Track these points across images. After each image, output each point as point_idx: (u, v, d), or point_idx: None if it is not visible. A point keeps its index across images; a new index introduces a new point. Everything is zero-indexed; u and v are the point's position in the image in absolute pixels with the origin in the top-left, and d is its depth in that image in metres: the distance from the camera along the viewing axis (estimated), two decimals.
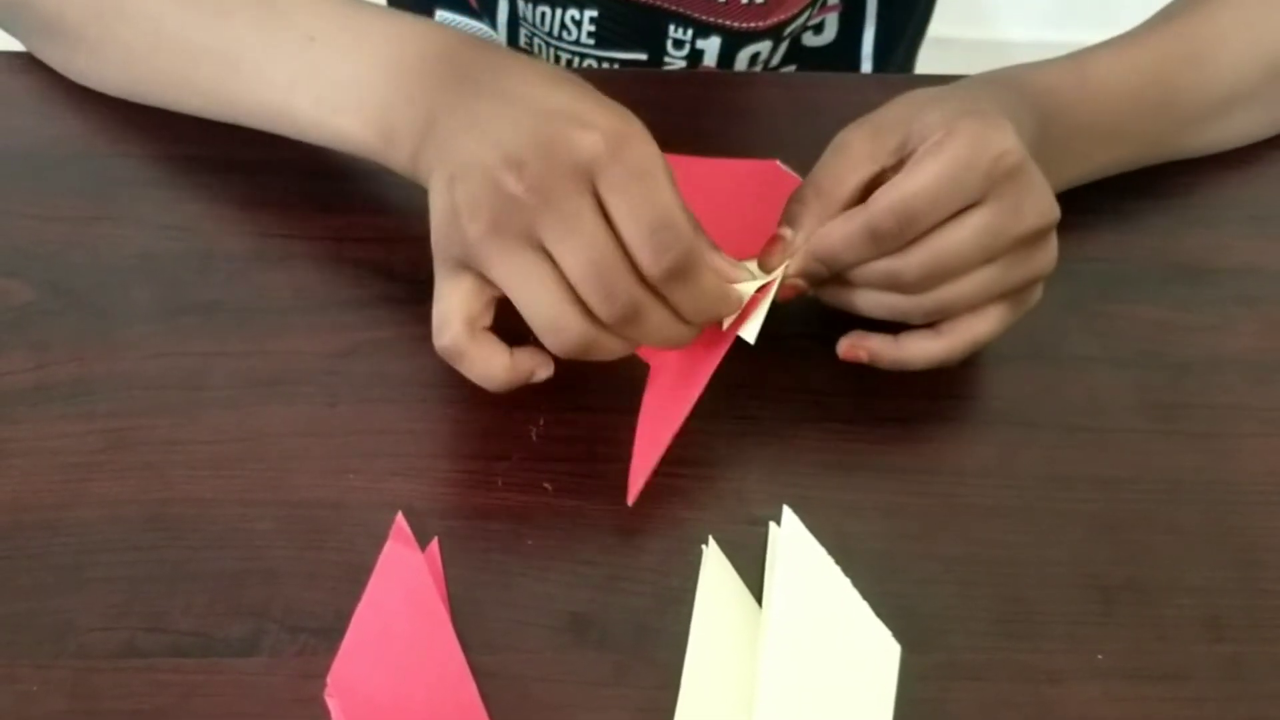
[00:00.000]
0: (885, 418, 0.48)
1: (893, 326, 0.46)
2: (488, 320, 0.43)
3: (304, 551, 0.43)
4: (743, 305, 0.44)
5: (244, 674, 0.40)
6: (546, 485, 0.45)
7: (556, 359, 0.44)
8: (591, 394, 0.48)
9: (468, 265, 0.42)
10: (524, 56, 0.46)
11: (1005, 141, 0.43)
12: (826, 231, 0.44)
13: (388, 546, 0.43)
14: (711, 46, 0.67)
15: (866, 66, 0.74)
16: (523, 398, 0.47)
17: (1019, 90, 0.49)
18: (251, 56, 0.50)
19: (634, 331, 0.42)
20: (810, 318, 0.49)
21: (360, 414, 0.47)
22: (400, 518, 0.43)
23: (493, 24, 0.71)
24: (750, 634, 0.41)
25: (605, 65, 0.68)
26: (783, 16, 0.67)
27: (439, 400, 0.47)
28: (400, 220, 0.53)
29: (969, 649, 0.42)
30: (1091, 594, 0.43)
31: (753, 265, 0.45)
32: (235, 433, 0.46)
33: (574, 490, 0.45)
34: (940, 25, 0.81)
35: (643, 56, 0.68)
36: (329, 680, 0.39)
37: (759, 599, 0.42)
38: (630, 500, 0.44)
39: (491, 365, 0.43)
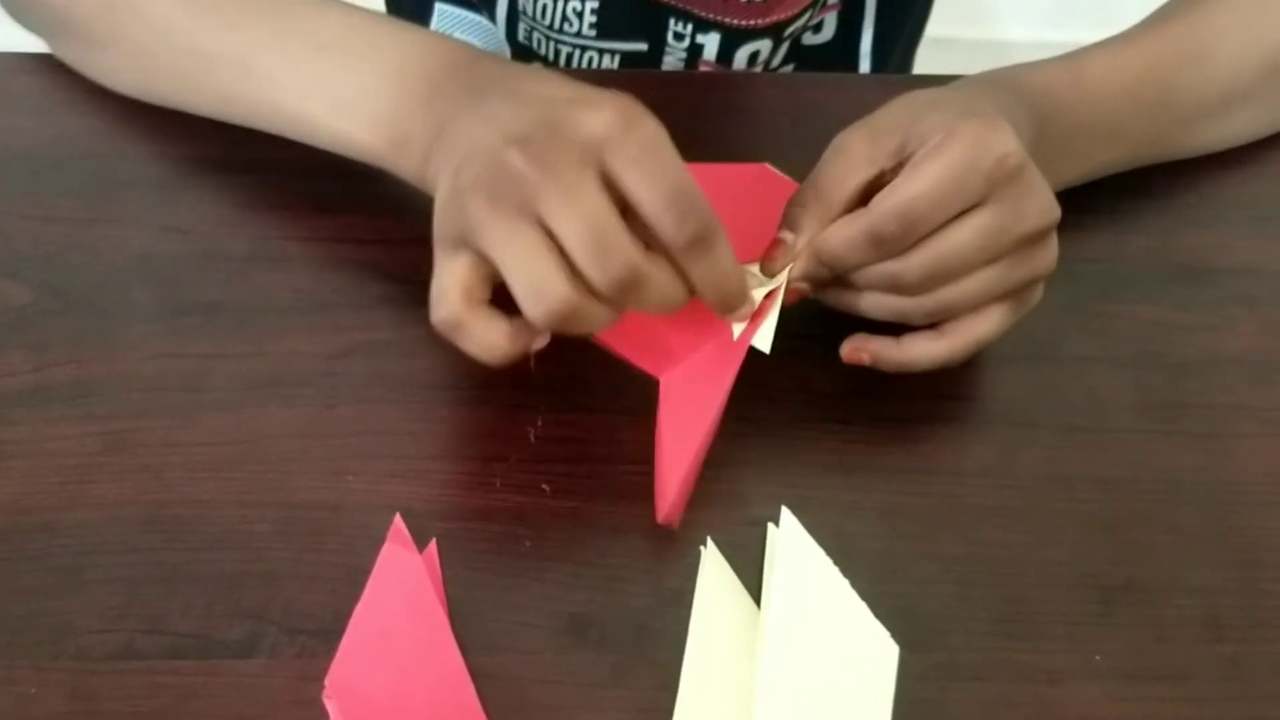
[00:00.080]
0: (884, 418, 0.48)
1: (894, 328, 0.46)
2: (485, 295, 0.42)
3: (303, 553, 0.43)
4: (755, 308, 0.44)
5: (243, 676, 0.40)
6: (545, 486, 0.45)
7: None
8: (590, 395, 0.48)
9: (466, 242, 0.41)
10: (531, 66, 0.46)
11: (1005, 143, 0.43)
12: (829, 235, 0.44)
13: (386, 548, 0.43)
14: (711, 42, 0.67)
15: (865, 65, 0.74)
16: (521, 399, 0.47)
17: (1016, 91, 0.49)
18: (263, 63, 0.50)
19: (630, 297, 0.40)
20: (810, 319, 0.49)
21: (359, 415, 0.47)
22: (398, 519, 0.43)
23: (491, 17, 0.71)
24: (749, 635, 0.41)
25: (606, 56, 0.68)
26: (782, 16, 0.67)
27: (438, 402, 0.47)
28: (399, 221, 0.53)
29: (968, 649, 0.42)
30: (1091, 594, 0.43)
31: (754, 269, 0.45)
32: (234, 434, 0.46)
33: (572, 491, 0.45)
34: (940, 25, 0.81)
35: (643, 47, 0.68)
36: (327, 682, 0.39)
37: (758, 600, 0.42)
38: (661, 519, 0.43)
39: (490, 334, 0.42)
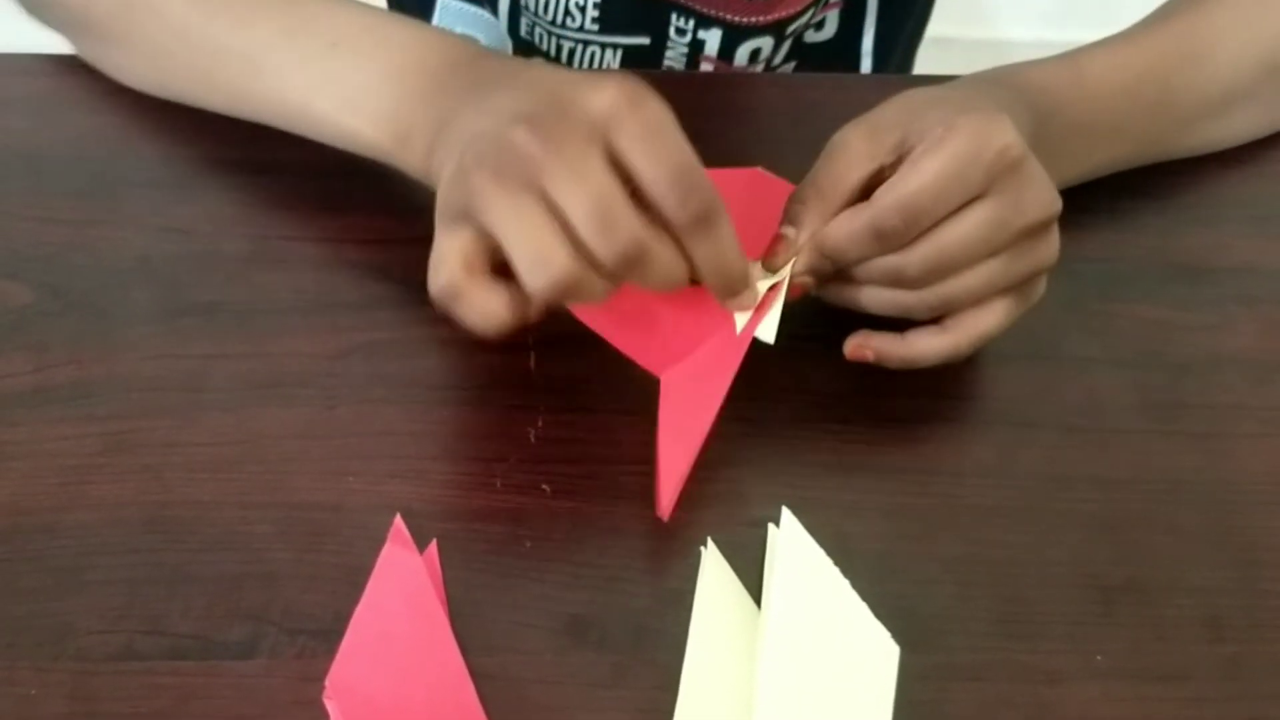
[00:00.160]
0: (884, 418, 0.48)
1: (897, 325, 0.46)
2: (485, 267, 0.42)
3: (303, 554, 0.43)
4: (758, 299, 0.44)
5: (243, 677, 0.40)
6: (545, 487, 0.45)
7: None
8: (590, 395, 0.48)
9: (468, 216, 0.41)
10: (533, 61, 0.46)
11: (1006, 136, 0.43)
12: (831, 229, 0.44)
13: (386, 549, 0.43)
14: (713, 38, 0.67)
15: (866, 63, 0.74)
16: (521, 399, 0.47)
17: (1015, 88, 0.49)
18: (274, 60, 0.51)
19: (633, 272, 0.40)
20: (810, 318, 0.49)
21: (359, 416, 0.47)
22: (399, 520, 0.43)
23: (494, 11, 0.71)
24: (749, 635, 0.41)
25: (608, 51, 0.68)
26: (784, 14, 0.67)
27: (438, 402, 0.47)
28: (399, 222, 0.53)
29: (968, 649, 0.42)
30: (1091, 594, 0.43)
31: (755, 267, 0.45)
32: (234, 435, 0.46)
33: (573, 492, 0.45)
34: (940, 25, 0.81)
35: (645, 41, 0.68)
36: (328, 683, 0.39)
37: (758, 600, 0.42)
38: (663, 515, 0.44)
39: (490, 303, 0.41)
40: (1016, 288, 0.45)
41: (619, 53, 0.69)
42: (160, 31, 0.54)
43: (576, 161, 0.39)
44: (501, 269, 0.41)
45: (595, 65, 0.69)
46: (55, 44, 0.60)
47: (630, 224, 0.39)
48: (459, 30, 0.71)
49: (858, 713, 0.39)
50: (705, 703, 0.40)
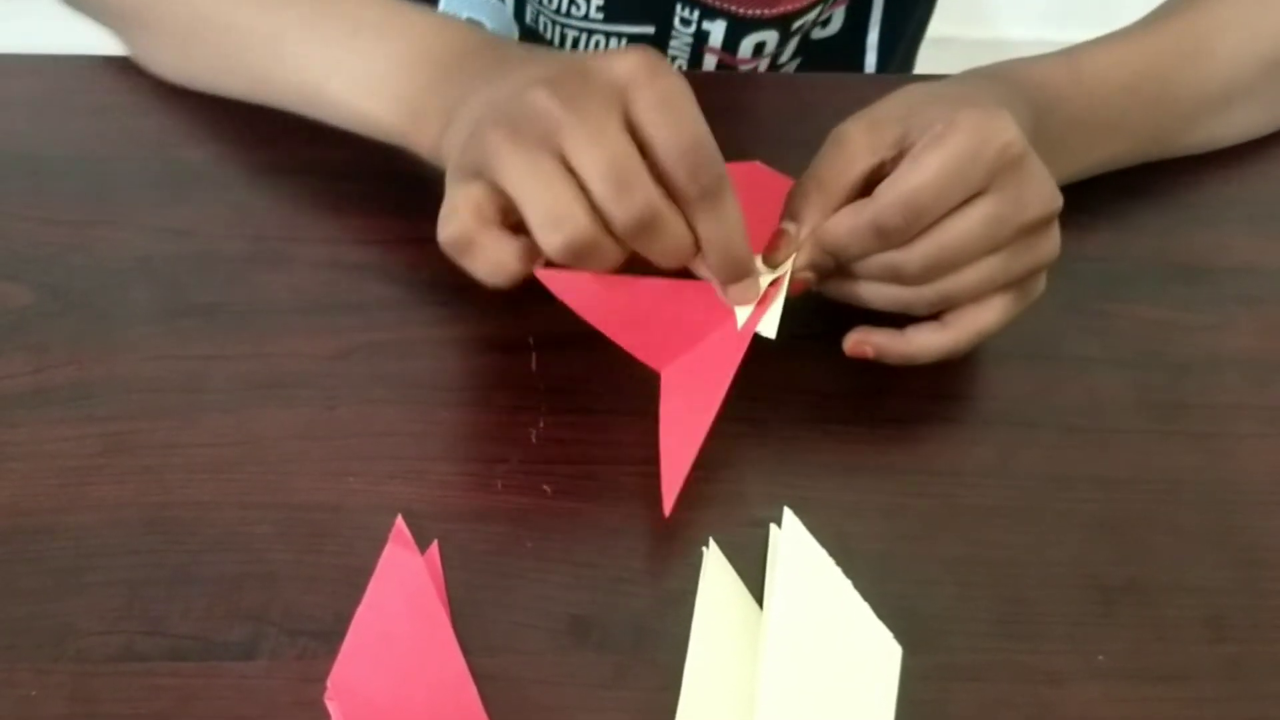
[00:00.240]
0: (885, 418, 0.48)
1: (896, 321, 0.46)
2: (496, 219, 0.42)
3: (303, 555, 0.43)
4: (760, 294, 0.44)
5: (243, 678, 0.40)
6: (546, 487, 0.45)
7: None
8: (591, 396, 0.48)
9: (482, 173, 0.41)
10: (546, 49, 0.46)
11: (1007, 132, 0.43)
12: (833, 225, 0.44)
13: (387, 549, 0.42)
14: (717, 29, 0.67)
15: (871, 57, 0.74)
16: (522, 400, 0.47)
17: (1015, 84, 0.49)
18: (296, 44, 0.52)
19: (644, 238, 0.40)
20: (810, 318, 0.49)
21: (359, 416, 0.47)
22: (400, 520, 0.43)
23: None
24: (751, 635, 0.41)
25: (613, 40, 0.68)
26: (789, 8, 0.67)
27: (439, 403, 0.47)
28: (400, 222, 0.53)
29: (969, 650, 0.42)
30: (1092, 594, 0.43)
31: (756, 263, 0.45)
32: (234, 436, 0.46)
33: (574, 492, 0.45)
34: (940, 24, 0.81)
35: (650, 30, 0.68)
36: (329, 683, 0.39)
37: (760, 600, 0.42)
38: (666, 512, 0.43)
39: (500, 252, 0.41)
40: (1016, 284, 0.45)
41: (623, 42, 0.69)
42: (186, 18, 0.55)
43: (595, 123, 0.39)
44: (513, 229, 0.41)
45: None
46: (55, 44, 0.60)
47: (645, 188, 0.39)
48: (465, 15, 0.71)
49: (859, 713, 0.39)
50: (707, 703, 0.40)
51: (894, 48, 0.75)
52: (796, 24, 0.68)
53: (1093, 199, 0.54)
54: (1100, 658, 0.42)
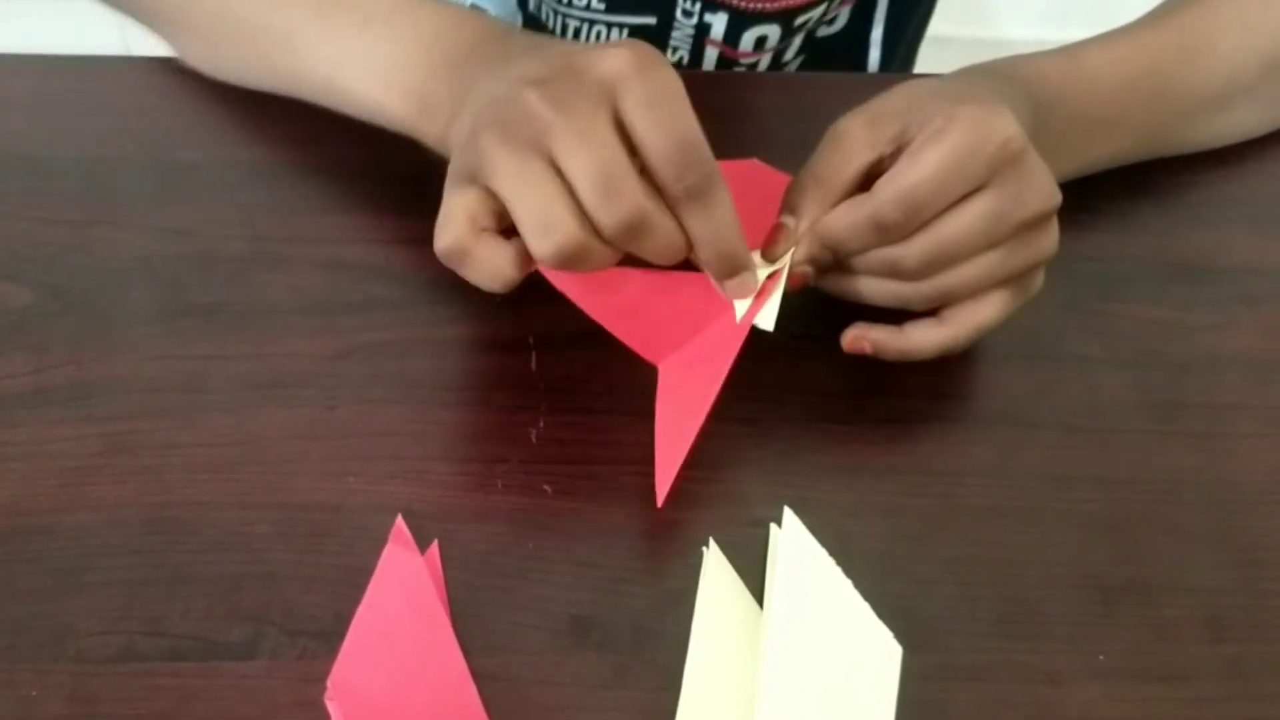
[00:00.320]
0: (885, 418, 0.48)
1: (895, 318, 0.46)
2: (490, 226, 0.42)
3: (303, 555, 0.43)
4: (758, 286, 0.44)
5: (243, 678, 0.40)
6: (546, 487, 0.45)
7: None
8: (591, 396, 0.48)
9: (476, 178, 0.41)
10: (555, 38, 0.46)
11: (1007, 128, 0.43)
12: (832, 219, 0.44)
13: (387, 549, 0.42)
14: (719, 22, 0.67)
15: (875, 53, 0.74)
16: (522, 400, 0.47)
17: (1014, 80, 0.49)
18: (310, 36, 0.52)
19: (633, 241, 0.40)
20: (809, 318, 0.49)
21: (359, 417, 0.47)
22: (400, 520, 0.43)
23: None
24: (751, 635, 0.41)
25: (614, 30, 0.68)
26: (792, 3, 0.67)
27: (439, 403, 0.47)
28: (399, 222, 0.53)
29: (969, 650, 0.42)
30: (1092, 594, 0.43)
31: (755, 257, 0.45)
32: (234, 436, 0.46)
33: (574, 492, 0.45)
34: (940, 24, 0.81)
35: (652, 21, 0.68)
36: (329, 683, 0.39)
37: (760, 600, 0.42)
38: (660, 503, 0.44)
39: (497, 258, 0.42)
40: (1015, 280, 0.45)
41: (624, 33, 0.69)
42: (208, 15, 0.56)
43: (583, 126, 0.39)
44: (509, 229, 0.41)
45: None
46: (55, 44, 0.60)
47: (633, 192, 0.39)
48: (469, 2, 0.71)
49: (860, 713, 0.39)
50: (707, 703, 0.40)
51: (897, 44, 0.75)
52: (800, 20, 0.68)
53: (1093, 198, 0.54)
54: (1100, 658, 0.42)
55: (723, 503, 0.45)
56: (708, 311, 0.45)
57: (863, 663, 0.40)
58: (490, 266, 0.42)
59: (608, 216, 0.39)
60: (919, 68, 0.82)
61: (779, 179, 0.48)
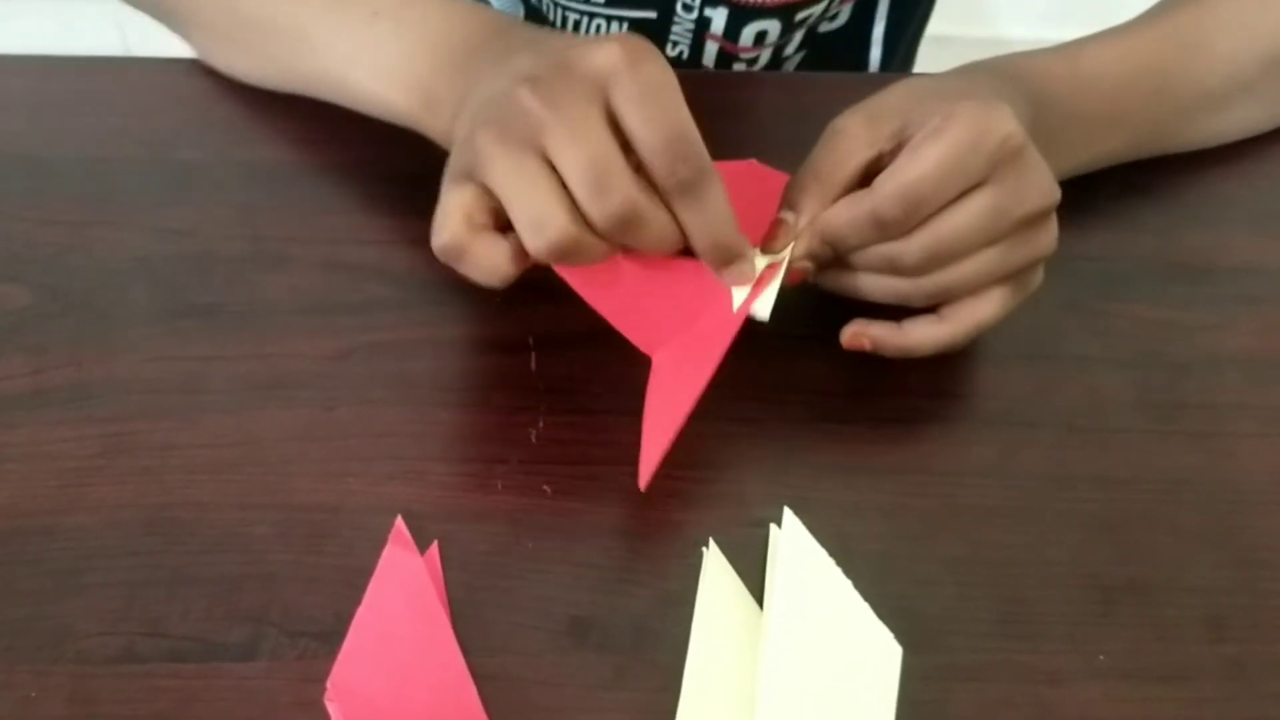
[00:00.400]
0: (885, 418, 0.48)
1: (895, 315, 0.46)
2: (487, 224, 0.42)
3: (303, 556, 0.43)
4: (756, 274, 0.44)
5: (243, 679, 0.40)
6: (546, 488, 0.45)
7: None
8: (591, 396, 0.48)
9: (472, 175, 0.42)
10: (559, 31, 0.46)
11: (1006, 124, 0.43)
12: (832, 215, 0.44)
13: (387, 550, 0.42)
14: (719, 16, 0.67)
15: (876, 50, 0.74)
16: (522, 400, 0.47)
17: (1014, 78, 0.49)
18: (319, 32, 0.53)
19: (626, 235, 0.41)
20: (809, 317, 0.49)
21: (359, 417, 0.47)
22: (399, 521, 0.43)
23: None
24: (751, 636, 0.41)
25: (614, 24, 0.68)
26: None
27: (438, 403, 0.47)
28: (398, 222, 0.53)
29: (969, 650, 0.42)
30: (1092, 594, 0.43)
31: (754, 253, 0.45)
32: (234, 436, 0.46)
33: (573, 492, 0.45)
34: (940, 23, 0.81)
35: (652, 15, 0.68)
36: (329, 684, 0.39)
37: (760, 601, 0.42)
38: (642, 485, 0.43)
39: (495, 255, 0.42)
40: (1014, 277, 0.45)
41: (624, 26, 0.69)
42: (219, 14, 0.56)
43: (575, 121, 0.39)
44: (506, 225, 0.42)
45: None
46: (55, 44, 0.60)
47: (625, 187, 0.40)
48: None
49: (860, 713, 0.39)
50: (707, 704, 0.40)
51: (898, 41, 0.75)
52: (800, 15, 0.68)
53: (1093, 198, 0.54)
54: (1100, 658, 0.42)
55: (722, 503, 0.45)
56: (705, 301, 0.45)
57: (862, 663, 0.40)
58: (488, 263, 0.42)
59: (600, 211, 0.40)
60: (919, 67, 0.82)
61: (778, 178, 0.48)
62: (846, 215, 0.44)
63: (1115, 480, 0.46)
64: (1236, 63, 0.55)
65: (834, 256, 0.45)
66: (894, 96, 0.46)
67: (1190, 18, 0.55)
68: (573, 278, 0.44)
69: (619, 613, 0.42)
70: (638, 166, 0.40)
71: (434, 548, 0.43)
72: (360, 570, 0.42)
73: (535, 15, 0.71)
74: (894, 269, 0.45)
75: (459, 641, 0.40)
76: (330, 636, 0.40)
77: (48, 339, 0.48)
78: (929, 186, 0.42)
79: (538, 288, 0.44)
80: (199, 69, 0.59)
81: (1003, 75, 0.49)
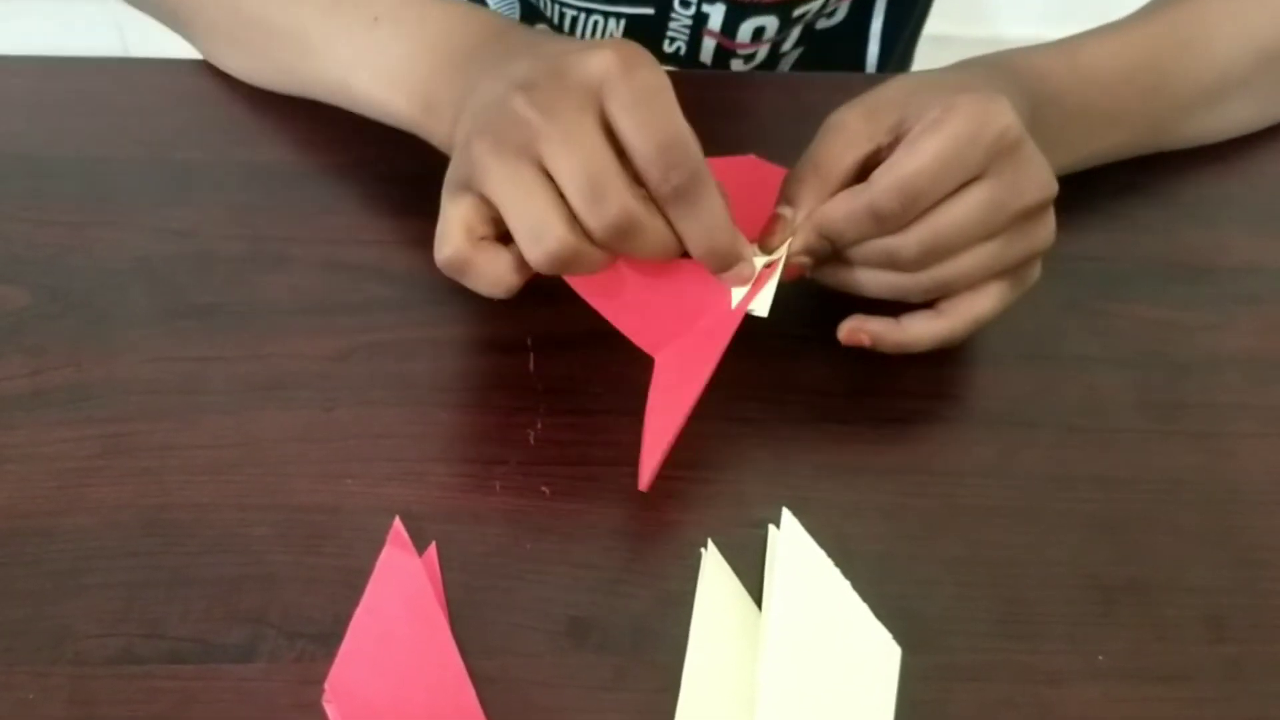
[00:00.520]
0: (884, 418, 0.48)
1: (893, 310, 0.46)
2: (488, 234, 0.42)
3: (302, 557, 0.43)
4: (755, 274, 0.44)
5: (242, 680, 0.40)
6: (544, 489, 0.45)
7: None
8: (590, 397, 0.48)
9: (470, 185, 0.42)
10: (558, 35, 0.46)
11: (1004, 117, 0.43)
12: (830, 209, 0.44)
13: (386, 551, 0.42)
14: (716, 12, 0.67)
15: (874, 47, 0.74)
16: (520, 401, 0.47)
17: (1012, 73, 0.49)
18: (320, 35, 0.53)
19: (623, 243, 0.41)
20: (808, 317, 0.49)
21: (358, 418, 0.47)
22: (398, 522, 0.43)
23: None
24: (750, 637, 0.41)
25: (611, 20, 0.68)
26: None
27: (437, 404, 0.47)
28: (397, 223, 0.53)
29: (969, 650, 0.42)
30: (1092, 594, 0.43)
31: (752, 249, 0.45)
32: (233, 437, 0.46)
33: (572, 493, 0.45)
34: (939, 23, 0.81)
35: (649, 11, 0.68)
36: (327, 686, 0.39)
37: (758, 601, 0.42)
38: (642, 486, 0.43)
39: (498, 266, 0.42)
40: (1012, 271, 0.45)
41: (622, 22, 0.69)
42: (221, 15, 0.56)
43: (570, 129, 0.39)
44: (507, 235, 0.42)
45: (597, 35, 0.70)
46: (55, 44, 0.60)
47: (619, 195, 0.40)
48: None
49: (859, 714, 0.39)
50: (706, 704, 0.39)
51: (896, 38, 0.75)
52: (798, 11, 0.68)
53: (1092, 198, 0.54)
54: (1100, 658, 0.42)
55: (721, 503, 0.45)
56: (707, 300, 0.45)
57: (862, 663, 0.40)
58: (491, 275, 0.42)
59: (596, 220, 0.40)
60: (917, 65, 0.82)
61: (777, 173, 0.48)
62: (844, 209, 0.44)
63: (1115, 480, 0.46)
64: (1232, 58, 0.55)
65: (832, 251, 0.45)
66: (892, 90, 0.46)
67: (1186, 14, 0.55)
68: (574, 279, 0.44)
69: (618, 613, 0.42)
70: (635, 174, 0.40)
71: (432, 549, 0.43)
72: (359, 571, 0.42)
73: (532, 12, 0.71)
74: (892, 263, 0.44)
75: (457, 643, 0.40)
76: (329, 638, 0.40)
77: (47, 340, 0.48)
78: (927, 180, 0.42)
79: (536, 289, 0.44)
80: (199, 69, 0.59)
81: (1000, 70, 0.49)
